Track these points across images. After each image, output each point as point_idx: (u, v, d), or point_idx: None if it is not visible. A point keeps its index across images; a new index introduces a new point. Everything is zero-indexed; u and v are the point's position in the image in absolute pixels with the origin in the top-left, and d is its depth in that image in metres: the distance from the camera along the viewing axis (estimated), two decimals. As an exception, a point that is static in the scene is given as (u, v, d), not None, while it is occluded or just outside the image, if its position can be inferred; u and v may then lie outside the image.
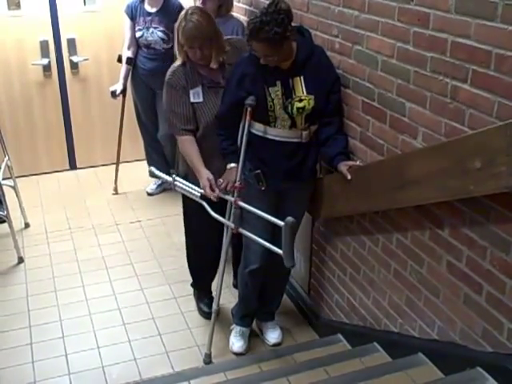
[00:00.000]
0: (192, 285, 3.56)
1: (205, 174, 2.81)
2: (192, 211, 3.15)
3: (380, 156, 2.52)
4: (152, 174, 3.22)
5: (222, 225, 2.94)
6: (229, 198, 2.77)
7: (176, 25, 2.83)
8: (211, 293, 3.44)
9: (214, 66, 2.82)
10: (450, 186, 2.06)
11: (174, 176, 2.98)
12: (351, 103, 2.68)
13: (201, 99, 2.87)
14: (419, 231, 2.37)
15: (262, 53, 2.54)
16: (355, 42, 2.56)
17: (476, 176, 1.92)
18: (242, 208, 2.74)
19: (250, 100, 2.65)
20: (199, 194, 2.84)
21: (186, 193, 2.94)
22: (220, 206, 2.87)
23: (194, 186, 2.90)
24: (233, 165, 2.79)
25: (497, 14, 1.80)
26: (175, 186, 2.96)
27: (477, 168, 1.90)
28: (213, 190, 2.76)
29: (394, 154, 2.42)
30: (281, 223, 2.47)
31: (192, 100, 2.87)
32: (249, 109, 2.67)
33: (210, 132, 2.88)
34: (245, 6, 3.66)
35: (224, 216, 2.89)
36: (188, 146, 2.91)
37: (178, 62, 2.90)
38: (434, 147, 2.15)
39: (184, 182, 2.95)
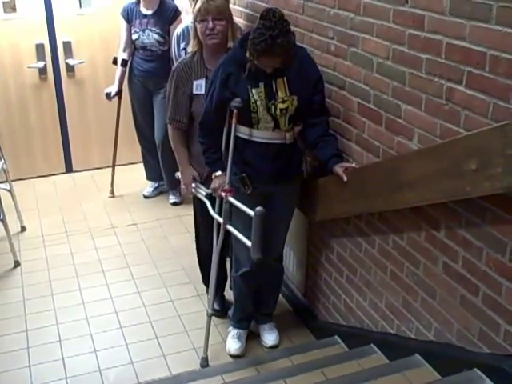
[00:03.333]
0: (204, 282, 3.55)
1: (189, 173, 3.08)
2: (198, 205, 3.24)
3: (376, 158, 2.53)
4: (178, 178, 3.33)
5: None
6: (222, 193, 2.77)
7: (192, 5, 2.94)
8: (224, 290, 3.46)
9: (231, 45, 2.89)
10: (446, 188, 2.06)
11: (193, 180, 3.13)
12: (347, 105, 2.68)
13: (203, 91, 2.91)
14: (415, 232, 2.37)
15: (273, 65, 2.53)
16: (350, 44, 2.56)
17: (472, 177, 1.92)
18: (231, 204, 2.75)
19: (236, 102, 2.63)
20: (204, 194, 3.00)
21: (197, 194, 3.09)
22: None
23: (201, 186, 3.06)
24: (218, 173, 2.81)
25: (491, 15, 1.80)
26: (193, 188, 3.13)
27: (472, 169, 1.91)
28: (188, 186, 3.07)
29: (389, 155, 2.42)
30: (251, 212, 2.49)
31: (194, 91, 2.93)
32: (235, 111, 2.65)
33: None
34: (241, 9, 3.66)
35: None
36: (177, 141, 3.10)
37: (188, 54, 3.02)
38: (430, 149, 2.15)
39: (197, 184, 3.11)
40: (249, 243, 2.54)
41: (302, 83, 2.65)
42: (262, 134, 2.70)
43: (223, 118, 2.75)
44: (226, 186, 2.75)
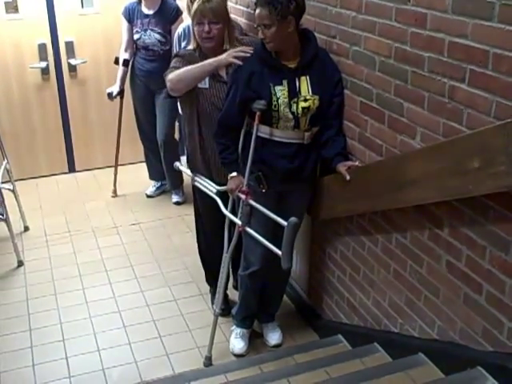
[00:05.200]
0: (207, 281, 3.56)
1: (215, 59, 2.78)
2: (200, 199, 3.23)
3: (379, 156, 2.52)
4: (177, 169, 3.33)
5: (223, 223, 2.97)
6: (241, 195, 2.76)
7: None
8: (227, 289, 3.44)
9: (227, 47, 2.87)
10: (449, 186, 2.06)
11: (194, 173, 3.10)
12: (349, 104, 2.68)
13: (207, 85, 2.91)
14: (418, 231, 2.37)
15: (262, 21, 2.52)
16: (353, 43, 2.56)
17: (475, 176, 1.92)
18: (251, 206, 2.72)
19: (259, 104, 2.61)
20: (215, 191, 2.94)
21: (203, 188, 3.03)
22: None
23: (211, 183, 2.99)
24: (234, 174, 2.79)
25: (494, 13, 1.80)
26: (195, 181, 3.09)
27: (475, 168, 1.91)
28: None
29: (392, 154, 2.42)
30: (284, 223, 2.47)
31: (198, 85, 2.91)
32: (258, 113, 2.64)
33: (208, 120, 2.92)
34: (242, 8, 3.66)
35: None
36: (179, 70, 2.84)
37: (190, 47, 3.01)
38: (433, 147, 2.15)
39: (203, 178, 3.04)
40: (278, 251, 2.53)
41: (324, 83, 2.65)
42: (281, 134, 2.70)
43: (244, 117, 2.74)
44: (244, 188, 2.73)
